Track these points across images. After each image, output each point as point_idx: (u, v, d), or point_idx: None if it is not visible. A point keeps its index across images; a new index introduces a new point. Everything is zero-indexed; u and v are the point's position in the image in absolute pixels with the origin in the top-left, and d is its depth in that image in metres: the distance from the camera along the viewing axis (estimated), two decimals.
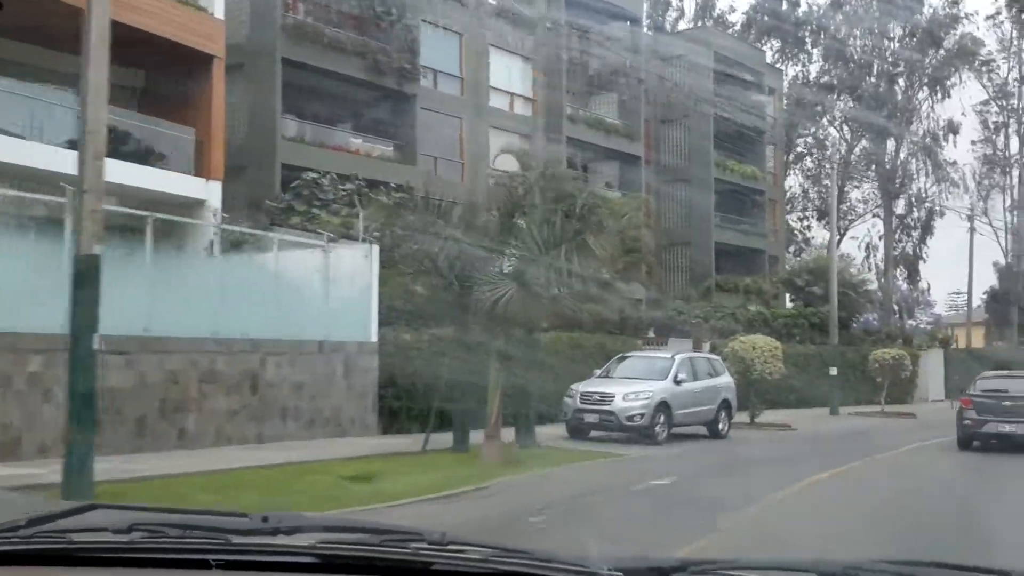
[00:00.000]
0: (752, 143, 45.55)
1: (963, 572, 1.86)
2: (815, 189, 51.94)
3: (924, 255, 48.92)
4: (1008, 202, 50.51)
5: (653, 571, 1.87)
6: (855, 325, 42.90)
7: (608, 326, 26.60)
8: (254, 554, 2.04)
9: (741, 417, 22.17)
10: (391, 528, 2.14)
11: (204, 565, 1.99)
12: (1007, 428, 17.43)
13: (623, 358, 19.29)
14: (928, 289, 49.41)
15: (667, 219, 43.49)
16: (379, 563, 1.96)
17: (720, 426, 19.11)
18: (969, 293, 39.74)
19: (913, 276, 49.22)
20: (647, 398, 17.06)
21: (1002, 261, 53.05)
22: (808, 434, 21.47)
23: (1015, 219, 50.47)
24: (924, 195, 48.31)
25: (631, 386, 17.41)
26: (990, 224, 50.93)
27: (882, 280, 48.15)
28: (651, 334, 28.97)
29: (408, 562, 1.94)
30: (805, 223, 52.30)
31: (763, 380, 22.12)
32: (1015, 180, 50.29)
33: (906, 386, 38.12)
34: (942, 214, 47.89)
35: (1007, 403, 17.65)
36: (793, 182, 52.63)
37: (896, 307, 48.93)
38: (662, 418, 17.28)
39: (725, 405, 19.23)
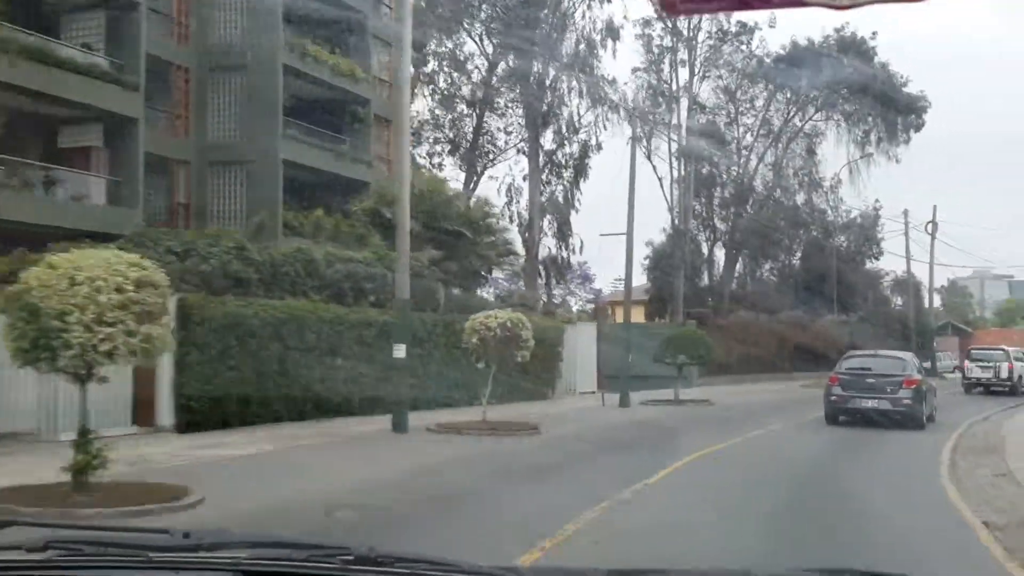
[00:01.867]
0: (353, 32, 31.96)
1: None
2: (449, 117, 39.40)
3: (577, 203, 38.08)
4: (675, 146, 41.19)
5: None
6: (484, 288, 30.77)
7: None
8: (175, 570, 1.96)
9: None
10: (318, 543, 2.06)
11: None
12: (869, 404, 18.31)
13: None
14: (581, 247, 38.73)
15: (215, 124, 28.61)
16: None
17: None
18: (629, 251, 28.70)
19: (564, 231, 38.21)
20: None
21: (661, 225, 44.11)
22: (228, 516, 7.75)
23: (683, 166, 41.19)
24: (578, 123, 37.34)
25: None
26: (654, 171, 41.37)
27: (527, 235, 36.70)
28: None
29: None
30: (438, 159, 39.64)
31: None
32: (683, 117, 41.00)
33: (543, 373, 26.35)
34: (599, 147, 37.22)
35: (870, 380, 18.58)
36: (422, 107, 39.77)
37: (542, 269, 37.69)
38: None
39: None
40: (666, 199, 41.78)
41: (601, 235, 36.74)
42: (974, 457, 13.80)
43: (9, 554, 1.97)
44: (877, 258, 49.28)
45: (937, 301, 66.95)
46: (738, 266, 46.43)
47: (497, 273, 31.75)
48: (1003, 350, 34.98)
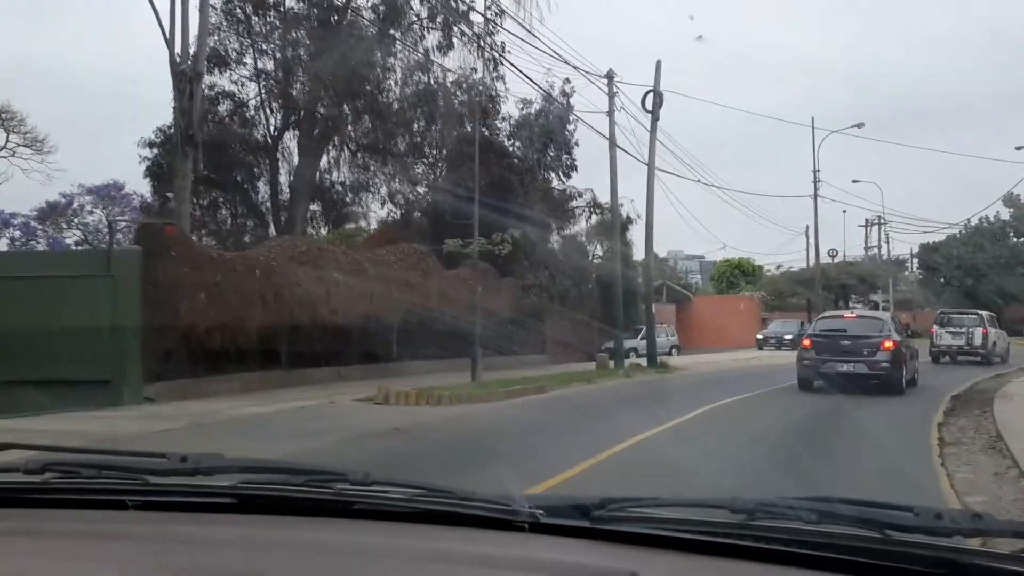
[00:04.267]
0: None
1: (871, 508, 1.80)
2: None
3: None
4: None
5: (574, 508, 1.85)
6: None
7: None
8: (172, 495, 2.00)
9: None
10: (314, 468, 2.09)
11: (120, 506, 1.95)
12: (844, 368, 17.32)
13: None
14: None
15: None
16: (300, 503, 1.94)
17: None
18: None
19: None
20: None
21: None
22: None
23: None
24: None
25: None
26: None
27: None
28: None
29: (330, 502, 1.94)
30: None
31: None
32: None
33: None
34: None
35: (845, 343, 17.51)
36: None
37: None
38: None
39: None
40: (159, 21, 20.24)
41: None
42: None
43: (8, 476, 2.01)
44: (568, 173, 30.96)
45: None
46: (331, 161, 26.05)
47: None
48: (977, 314, 31.43)
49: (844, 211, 72.77)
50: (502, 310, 24.33)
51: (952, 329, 30.45)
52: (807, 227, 52.63)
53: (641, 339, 37.93)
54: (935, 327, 31.03)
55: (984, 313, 31.74)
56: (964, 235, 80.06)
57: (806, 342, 18.31)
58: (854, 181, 51.03)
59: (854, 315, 19.61)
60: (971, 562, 1.59)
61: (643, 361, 28.78)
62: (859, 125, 41.73)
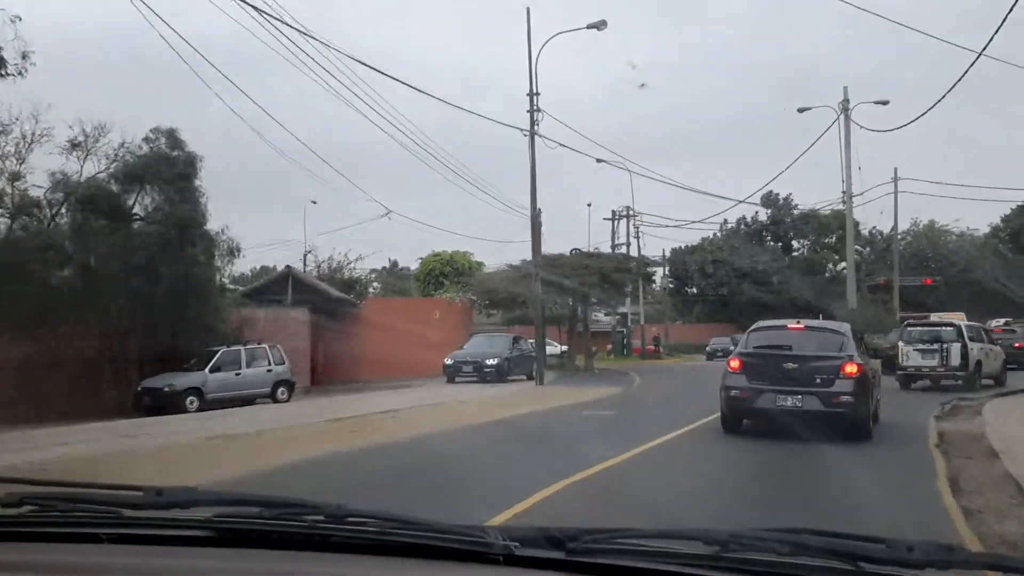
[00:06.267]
0: None
1: (841, 539, 1.81)
2: None
3: None
4: None
5: (549, 540, 1.82)
6: None
7: None
8: (147, 528, 1.95)
9: None
10: (289, 501, 2.07)
11: (95, 539, 1.90)
12: (789, 401, 12.40)
13: None
14: None
15: None
16: (275, 536, 1.90)
17: None
18: None
19: None
20: None
21: None
22: None
23: None
24: None
25: None
26: None
27: None
28: None
29: (305, 535, 1.89)
30: None
31: None
32: None
33: None
34: None
35: (790, 365, 12.62)
36: None
37: None
38: None
39: None
40: None
41: None
42: None
43: None
44: None
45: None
46: None
47: None
48: (953, 325, 25.06)
49: (589, 204, 59.64)
50: None
51: (921, 346, 24.32)
52: (539, 211, 37.74)
53: (214, 372, 21.16)
54: (900, 343, 25.12)
55: (963, 324, 25.53)
56: (720, 238, 70.06)
57: (734, 363, 13.28)
58: (598, 160, 37.55)
59: (802, 326, 13.83)
60: None
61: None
62: (599, 25, 26.89)
